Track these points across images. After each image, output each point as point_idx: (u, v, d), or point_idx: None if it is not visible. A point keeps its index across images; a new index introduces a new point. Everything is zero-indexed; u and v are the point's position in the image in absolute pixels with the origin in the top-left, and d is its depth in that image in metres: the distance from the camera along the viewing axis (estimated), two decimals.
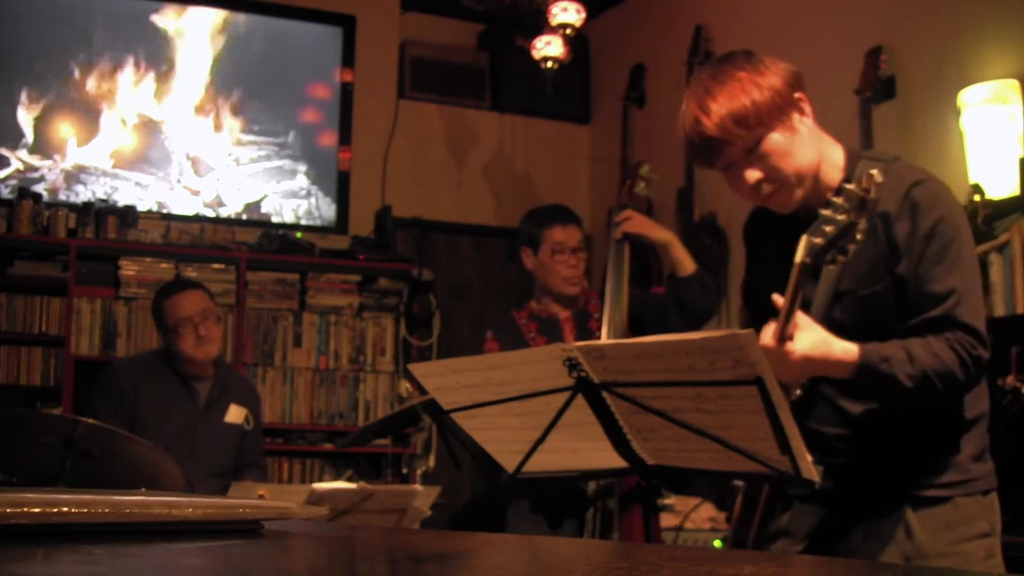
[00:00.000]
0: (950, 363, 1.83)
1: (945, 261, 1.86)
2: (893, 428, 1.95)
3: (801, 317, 1.80)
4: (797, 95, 1.94)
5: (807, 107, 1.96)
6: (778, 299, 1.80)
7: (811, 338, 1.80)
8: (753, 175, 1.93)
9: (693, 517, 4.27)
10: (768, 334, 1.80)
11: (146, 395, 3.60)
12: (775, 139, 1.91)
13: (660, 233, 3.22)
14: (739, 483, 2.11)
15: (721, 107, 1.88)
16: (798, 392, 1.96)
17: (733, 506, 2.10)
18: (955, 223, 1.90)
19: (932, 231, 1.87)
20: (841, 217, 1.69)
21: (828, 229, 1.71)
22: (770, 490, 2.06)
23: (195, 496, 1.07)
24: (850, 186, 1.69)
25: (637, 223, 3.18)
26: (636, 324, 3.08)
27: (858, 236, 1.70)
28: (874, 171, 1.67)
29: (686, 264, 3.17)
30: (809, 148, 1.95)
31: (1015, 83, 3.76)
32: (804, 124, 1.95)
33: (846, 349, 1.83)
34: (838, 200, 1.70)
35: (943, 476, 1.93)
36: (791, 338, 1.79)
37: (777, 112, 1.90)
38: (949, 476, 1.93)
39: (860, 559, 1.92)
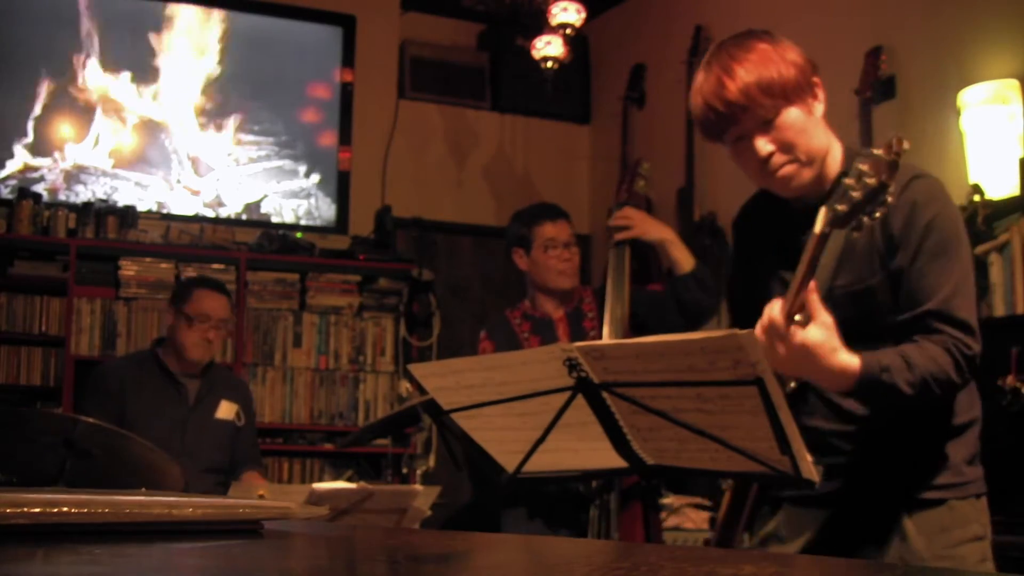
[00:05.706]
0: (946, 367, 1.80)
1: (941, 256, 1.85)
2: (887, 430, 1.93)
3: (821, 312, 1.72)
4: (815, 79, 1.94)
5: (821, 94, 1.96)
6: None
7: (823, 334, 1.71)
8: (766, 147, 1.90)
9: (693, 517, 4.27)
10: (776, 308, 1.73)
11: (134, 394, 3.59)
12: (793, 113, 1.90)
13: (657, 232, 3.16)
14: (726, 486, 2.07)
15: (749, 73, 1.87)
16: (792, 385, 1.92)
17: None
18: (952, 219, 1.90)
19: (929, 225, 1.85)
20: (871, 180, 1.64)
21: (855, 194, 1.66)
22: (758, 492, 2.02)
23: (195, 496, 1.07)
24: (878, 151, 1.65)
25: (633, 226, 3.15)
26: (637, 323, 3.06)
27: (888, 199, 1.65)
28: (902, 138, 1.63)
29: (683, 263, 3.13)
30: (821, 133, 1.95)
31: (1015, 83, 3.76)
32: (817, 110, 1.95)
33: (848, 361, 1.74)
34: (863, 167, 1.65)
35: (937, 478, 1.91)
36: (800, 324, 1.71)
37: (798, 89, 1.90)
38: (943, 478, 1.91)
39: (857, 560, 1.91)
